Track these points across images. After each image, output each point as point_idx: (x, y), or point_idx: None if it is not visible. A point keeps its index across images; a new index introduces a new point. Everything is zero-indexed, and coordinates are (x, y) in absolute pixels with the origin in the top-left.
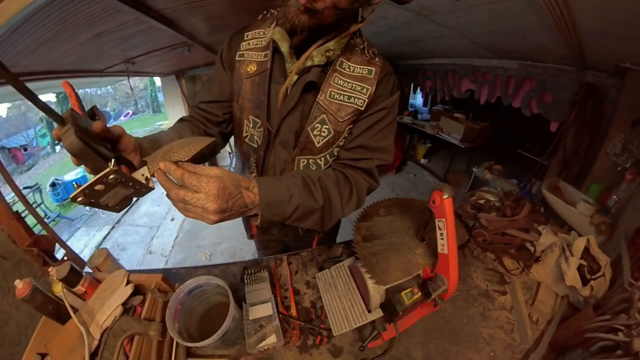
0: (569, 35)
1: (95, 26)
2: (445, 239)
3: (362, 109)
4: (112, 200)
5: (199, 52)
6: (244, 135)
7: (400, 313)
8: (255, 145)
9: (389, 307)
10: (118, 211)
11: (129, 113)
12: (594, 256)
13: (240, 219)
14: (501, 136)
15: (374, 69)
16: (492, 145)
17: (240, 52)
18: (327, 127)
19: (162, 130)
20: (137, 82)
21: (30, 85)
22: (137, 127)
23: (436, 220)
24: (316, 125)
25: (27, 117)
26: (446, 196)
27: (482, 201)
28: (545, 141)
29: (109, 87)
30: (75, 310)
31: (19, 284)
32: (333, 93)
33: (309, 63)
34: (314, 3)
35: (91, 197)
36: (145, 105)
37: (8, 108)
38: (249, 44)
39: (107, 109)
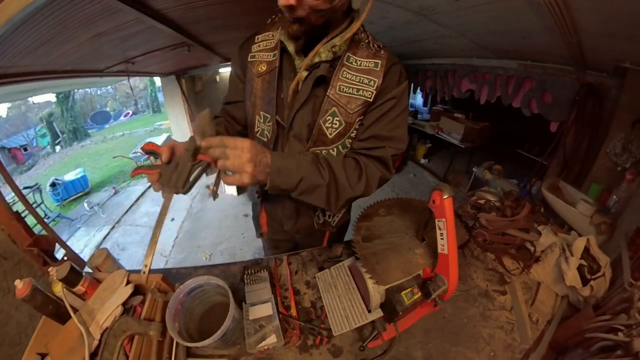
0: (569, 35)
1: (95, 26)
2: (445, 239)
3: (371, 100)
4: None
5: (199, 52)
6: (256, 130)
7: (400, 313)
8: (265, 140)
9: (389, 307)
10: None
11: (129, 113)
12: (594, 256)
13: (241, 220)
14: (501, 136)
15: (380, 61)
16: (492, 145)
17: (251, 54)
18: (338, 119)
19: None
20: (137, 82)
21: (31, 85)
22: (137, 127)
23: (436, 220)
24: (327, 117)
25: (27, 117)
26: (446, 196)
27: (482, 201)
28: (545, 141)
29: (109, 87)
30: (75, 310)
31: (19, 284)
32: (342, 87)
33: (316, 59)
34: (295, 13)
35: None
36: (145, 105)
37: (8, 108)
38: (259, 45)
39: (107, 109)
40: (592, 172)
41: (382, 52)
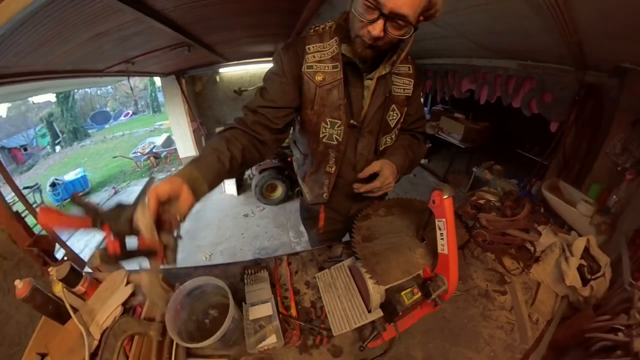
0: (569, 35)
1: (95, 26)
2: (445, 239)
3: (410, 95)
4: None
5: (199, 52)
6: (321, 136)
7: (400, 313)
8: (335, 143)
9: (389, 307)
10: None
11: (129, 113)
12: (594, 256)
13: (241, 220)
14: (501, 136)
15: (410, 65)
16: (492, 146)
17: (308, 65)
18: (396, 112)
19: (200, 155)
20: (137, 82)
21: (31, 85)
22: (137, 127)
23: (436, 220)
24: (390, 112)
25: (27, 117)
26: (446, 196)
27: (482, 201)
28: (545, 141)
29: (109, 87)
30: (75, 310)
31: (19, 284)
32: (395, 89)
33: (383, 72)
34: (376, 42)
35: None
36: (145, 105)
37: (8, 108)
38: (314, 56)
39: (107, 109)
40: (592, 172)
41: (409, 57)
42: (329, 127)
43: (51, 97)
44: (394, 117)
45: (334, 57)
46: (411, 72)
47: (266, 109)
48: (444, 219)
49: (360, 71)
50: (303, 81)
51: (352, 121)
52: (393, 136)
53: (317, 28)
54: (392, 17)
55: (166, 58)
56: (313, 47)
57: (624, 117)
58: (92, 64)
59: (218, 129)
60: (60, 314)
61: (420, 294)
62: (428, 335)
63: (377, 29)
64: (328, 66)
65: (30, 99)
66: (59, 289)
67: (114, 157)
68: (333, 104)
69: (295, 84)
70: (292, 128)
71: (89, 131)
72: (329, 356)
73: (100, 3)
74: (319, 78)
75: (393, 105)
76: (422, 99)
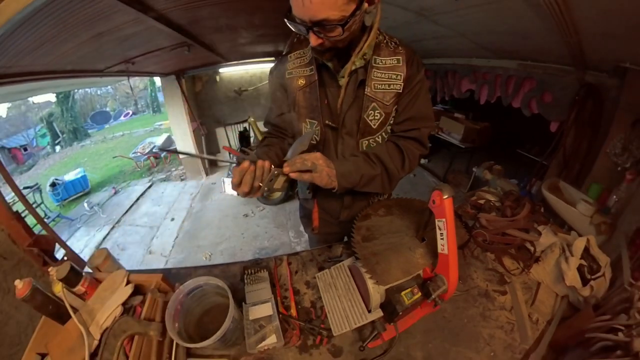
0: (569, 36)
1: (95, 26)
2: (445, 239)
3: (400, 91)
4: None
5: (199, 52)
6: None
7: (400, 313)
8: (314, 142)
9: (389, 307)
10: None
11: (129, 113)
12: (594, 256)
13: (241, 220)
14: (501, 136)
15: (400, 57)
16: (492, 146)
17: (288, 72)
18: (378, 111)
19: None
20: (137, 82)
21: (31, 85)
22: (137, 127)
23: (436, 220)
24: (370, 112)
25: (27, 117)
26: (446, 196)
27: (482, 201)
28: (545, 141)
29: (109, 87)
30: (75, 310)
31: (19, 284)
32: (376, 84)
33: (353, 67)
34: (324, 46)
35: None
36: (145, 105)
37: (8, 108)
38: (294, 63)
39: (107, 109)
40: (592, 172)
41: (400, 48)
42: (308, 127)
43: (51, 97)
44: (376, 118)
45: (310, 62)
46: (400, 64)
47: (275, 119)
48: (444, 219)
49: (333, 71)
50: (286, 87)
51: (327, 122)
52: (379, 139)
53: (299, 37)
54: (317, 25)
55: (166, 58)
56: (294, 54)
57: (624, 117)
58: (92, 64)
59: (218, 129)
60: (60, 314)
61: (420, 294)
62: (428, 335)
63: (312, 40)
64: (305, 70)
65: (30, 99)
66: (59, 289)
67: (114, 157)
68: (311, 105)
69: (285, 92)
70: None
71: (89, 131)
72: (329, 356)
73: (100, 3)
74: (300, 82)
75: (374, 104)
76: (424, 97)
